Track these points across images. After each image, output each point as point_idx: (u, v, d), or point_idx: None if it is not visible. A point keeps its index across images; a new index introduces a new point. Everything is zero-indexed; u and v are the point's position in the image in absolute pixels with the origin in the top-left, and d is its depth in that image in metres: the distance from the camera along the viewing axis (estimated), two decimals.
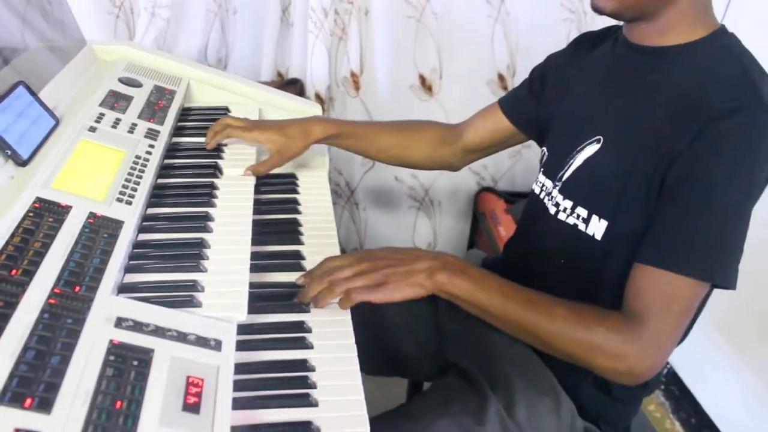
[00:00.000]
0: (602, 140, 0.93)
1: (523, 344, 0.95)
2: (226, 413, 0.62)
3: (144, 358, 0.63)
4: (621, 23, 0.96)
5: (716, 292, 0.89)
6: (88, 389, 0.57)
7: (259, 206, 1.07)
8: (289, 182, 1.18)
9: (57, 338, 0.61)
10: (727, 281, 0.82)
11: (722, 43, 0.87)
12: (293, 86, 1.87)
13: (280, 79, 1.95)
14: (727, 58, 0.86)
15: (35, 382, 0.56)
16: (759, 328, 1.66)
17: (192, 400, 0.61)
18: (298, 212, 1.10)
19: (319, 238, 1.03)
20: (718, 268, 0.82)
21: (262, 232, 1.00)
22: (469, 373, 1.00)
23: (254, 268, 0.87)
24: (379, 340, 1.13)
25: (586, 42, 1.08)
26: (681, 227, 0.81)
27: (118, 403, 0.57)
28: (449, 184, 2.10)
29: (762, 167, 0.80)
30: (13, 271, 0.66)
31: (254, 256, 0.89)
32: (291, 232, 1.04)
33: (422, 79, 1.93)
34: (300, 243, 1.01)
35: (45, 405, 0.54)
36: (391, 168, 2.05)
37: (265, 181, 1.16)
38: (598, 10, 0.89)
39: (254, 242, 0.92)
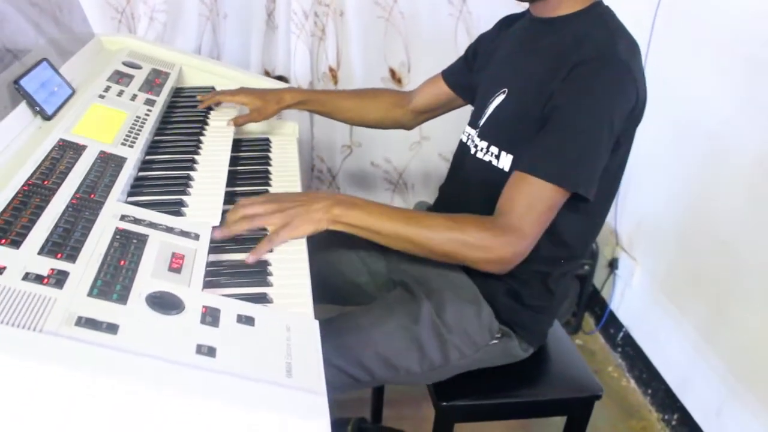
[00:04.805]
0: (507, 91, 1.17)
1: (453, 264, 1.16)
2: (200, 275, 0.85)
3: (141, 239, 0.86)
4: None
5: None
6: (100, 253, 0.80)
7: (236, 161, 1.31)
8: (264, 144, 1.42)
9: (78, 223, 0.84)
10: (578, 188, 1.03)
11: (597, 13, 1.11)
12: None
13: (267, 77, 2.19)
14: (597, 24, 1.10)
15: (64, 246, 0.79)
16: (692, 284, 1.84)
17: (175, 265, 0.84)
18: (269, 165, 1.33)
19: (284, 182, 1.26)
20: (570, 176, 1.03)
21: (238, 179, 1.24)
22: (408, 286, 1.21)
23: (229, 203, 1.10)
24: (336, 273, 1.34)
25: (507, 22, 1.33)
26: (545, 143, 1.04)
27: (122, 262, 0.80)
28: (420, 167, 2.32)
29: (612, 101, 1.02)
30: (45, 182, 0.89)
31: (230, 194, 1.12)
32: (262, 179, 1.27)
33: (392, 73, 2.17)
34: (269, 186, 1.25)
35: (71, 258, 0.77)
36: (367, 153, 2.28)
37: (243, 143, 1.40)
38: None
39: (230, 185, 1.14)
